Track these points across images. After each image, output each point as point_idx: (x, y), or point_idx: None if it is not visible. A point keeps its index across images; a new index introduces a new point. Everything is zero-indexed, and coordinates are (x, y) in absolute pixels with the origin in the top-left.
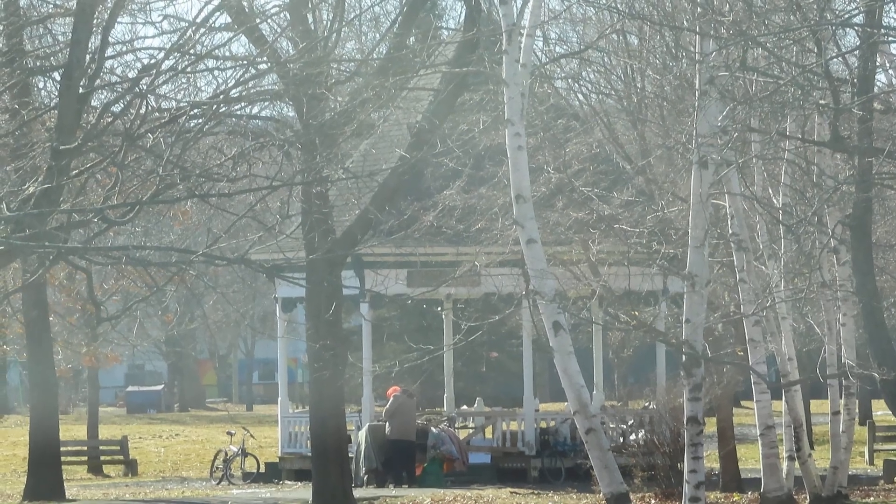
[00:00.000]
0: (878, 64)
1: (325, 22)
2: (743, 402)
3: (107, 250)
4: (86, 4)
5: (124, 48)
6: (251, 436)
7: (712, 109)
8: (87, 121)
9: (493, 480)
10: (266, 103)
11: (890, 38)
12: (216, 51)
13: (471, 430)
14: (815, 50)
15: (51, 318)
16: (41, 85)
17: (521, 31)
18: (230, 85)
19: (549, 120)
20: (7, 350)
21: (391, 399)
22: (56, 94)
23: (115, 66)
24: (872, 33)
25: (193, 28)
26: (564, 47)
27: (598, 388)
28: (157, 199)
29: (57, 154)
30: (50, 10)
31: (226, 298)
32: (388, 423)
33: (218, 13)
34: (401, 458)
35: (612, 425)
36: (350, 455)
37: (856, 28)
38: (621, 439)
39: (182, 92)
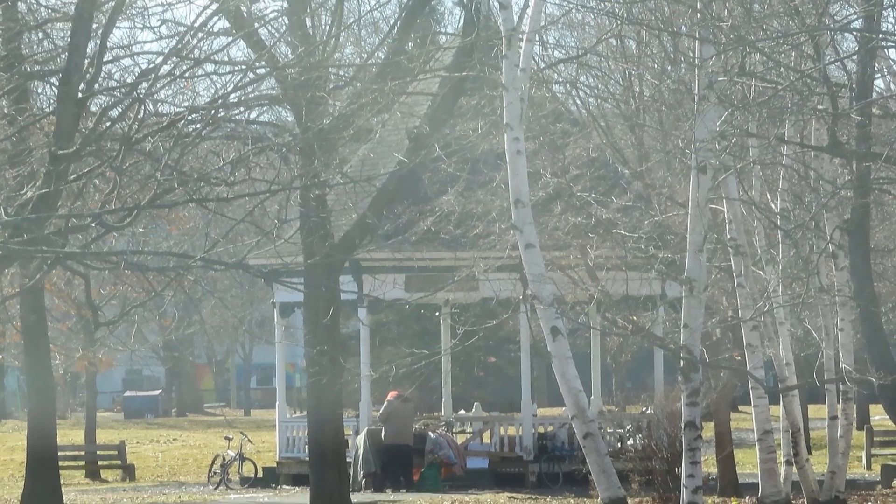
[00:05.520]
0: (876, 69)
1: (323, 27)
2: (741, 407)
3: (105, 255)
4: (84, 9)
5: (122, 53)
6: (249, 440)
7: (711, 114)
8: (85, 126)
9: (491, 485)
10: (264, 108)
11: (888, 44)
12: (214, 55)
13: (468, 435)
14: (814, 55)
15: (48, 323)
16: (39, 90)
17: (521, 36)
18: (228, 89)
19: (546, 124)
20: (4, 356)
21: (385, 404)
22: (54, 98)
23: (114, 70)
24: (871, 38)
25: (192, 33)
26: (563, 52)
27: (595, 392)
28: (156, 203)
29: (55, 159)
30: (48, 16)
31: (224, 303)
32: (383, 428)
33: (216, 18)
34: (398, 462)
35: (609, 430)
36: (348, 459)
37: (854, 33)
38: (619, 444)
39: (180, 96)
